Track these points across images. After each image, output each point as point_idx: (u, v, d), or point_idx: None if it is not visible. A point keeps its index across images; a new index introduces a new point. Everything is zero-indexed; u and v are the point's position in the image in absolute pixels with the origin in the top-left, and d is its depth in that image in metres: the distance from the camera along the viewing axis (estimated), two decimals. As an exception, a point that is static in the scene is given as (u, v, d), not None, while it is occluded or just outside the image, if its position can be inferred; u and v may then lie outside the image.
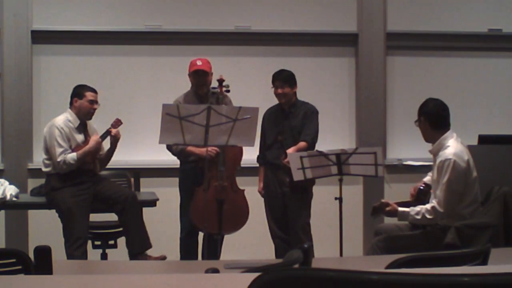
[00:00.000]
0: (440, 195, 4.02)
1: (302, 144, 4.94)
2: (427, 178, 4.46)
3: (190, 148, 4.85)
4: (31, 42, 6.14)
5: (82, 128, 5.02)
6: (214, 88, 5.01)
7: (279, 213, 5.09)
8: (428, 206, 4.06)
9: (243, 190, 5.02)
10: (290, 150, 4.82)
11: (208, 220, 4.58)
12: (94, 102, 4.99)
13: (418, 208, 4.08)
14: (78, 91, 5.00)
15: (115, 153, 5.18)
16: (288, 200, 5.03)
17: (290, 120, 5.06)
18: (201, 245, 5.04)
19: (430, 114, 4.18)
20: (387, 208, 4.16)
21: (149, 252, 4.98)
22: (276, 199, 5.08)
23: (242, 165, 5.13)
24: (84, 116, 5.00)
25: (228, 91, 5.02)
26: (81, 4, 6.26)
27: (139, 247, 4.90)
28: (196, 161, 4.95)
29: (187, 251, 5.10)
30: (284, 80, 5.01)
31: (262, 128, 5.11)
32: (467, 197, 4.08)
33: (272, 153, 5.06)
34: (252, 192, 5.13)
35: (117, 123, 5.10)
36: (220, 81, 4.99)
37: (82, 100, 4.96)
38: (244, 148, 4.97)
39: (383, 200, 4.33)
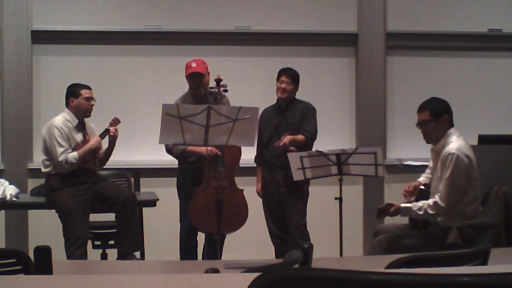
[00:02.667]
0: (443, 190, 4.01)
1: (300, 136, 4.93)
2: (422, 179, 4.46)
3: (190, 148, 4.85)
4: (31, 42, 6.14)
5: (81, 127, 5.03)
6: (212, 88, 5.00)
7: (277, 213, 5.09)
8: (430, 201, 4.05)
9: (242, 190, 5.02)
10: (286, 139, 4.80)
11: (207, 220, 4.57)
12: (90, 98, 5.00)
13: (420, 203, 4.07)
14: (73, 90, 5.01)
15: (115, 153, 5.18)
16: (284, 200, 5.03)
17: (287, 116, 5.06)
18: (201, 245, 5.04)
19: (450, 112, 4.16)
20: (391, 209, 4.15)
21: (146, 252, 4.98)
22: (273, 199, 5.08)
23: (240, 165, 5.12)
24: (83, 114, 5.00)
25: (226, 90, 5.00)
26: (81, 4, 6.26)
27: (128, 247, 4.90)
28: (195, 161, 4.95)
29: (187, 252, 5.10)
30: (291, 77, 5.03)
31: (259, 128, 5.10)
32: (469, 195, 4.07)
33: (270, 151, 5.05)
34: (251, 192, 5.13)
35: (116, 122, 5.10)
36: (218, 80, 4.98)
37: (78, 98, 4.97)
38: (242, 148, 4.97)
39: (387, 202, 4.31)
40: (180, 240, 5.16)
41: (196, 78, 5.00)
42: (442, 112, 4.14)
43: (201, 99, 5.02)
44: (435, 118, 4.12)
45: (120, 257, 4.88)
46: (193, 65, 5.02)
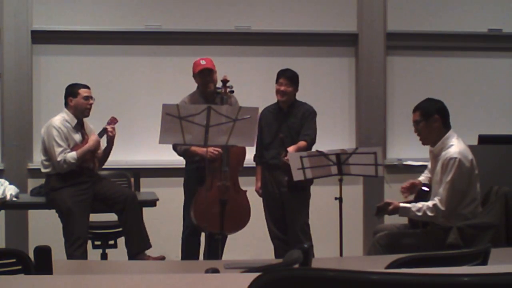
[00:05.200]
0: (443, 194, 4.01)
1: (302, 143, 4.94)
2: (422, 178, 4.46)
3: (193, 148, 4.85)
4: (31, 42, 6.14)
5: (79, 127, 5.03)
6: (218, 88, 5.01)
7: (277, 214, 5.08)
8: (430, 203, 4.05)
9: (245, 191, 5.02)
10: (290, 149, 4.82)
11: (210, 220, 4.57)
12: (89, 97, 5.00)
13: (420, 204, 4.07)
14: (71, 90, 5.02)
15: (115, 153, 5.18)
16: (286, 200, 5.02)
17: (288, 120, 5.06)
18: (203, 245, 5.04)
19: (445, 112, 4.17)
20: (390, 207, 4.14)
21: (148, 252, 4.98)
22: (274, 199, 5.08)
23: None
24: (82, 113, 5.00)
25: (232, 91, 5.01)
26: (81, 4, 6.26)
27: (138, 247, 4.90)
28: (200, 161, 4.95)
29: (189, 251, 5.10)
30: (290, 78, 5.02)
31: (259, 128, 5.09)
32: (468, 196, 4.08)
33: (270, 153, 5.05)
34: (252, 192, 5.13)
35: (113, 121, 5.11)
36: (224, 81, 4.99)
37: (77, 98, 4.97)
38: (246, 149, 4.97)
39: (386, 200, 4.32)
40: (182, 240, 5.16)
41: (206, 75, 5.00)
42: (433, 113, 4.15)
43: (209, 97, 5.01)
44: (425, 118, 4.14)
45: (131, 257, 4.87)
46: (202, 63, 5.04)
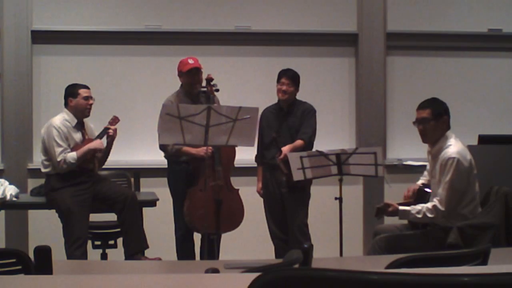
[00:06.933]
0: (442, 194, 4.01)
1: (298, 142, 4.93)
2: (421, 182, 4.45)
3: (186, 148, 4.84)
4: (31, 42, 6.14)
5: (80, 127, 5.03)
6: (203, 87, 5.00)
7: (278, 214, 5.08)
8: (429, 205, 4.05)
9: (238, 190, 5.02)
10: (285, 148, 4.82)
11: (205, 221, 4.57)
12: (89, 98, 5.00)
13: (419, 207, 4.07)
14: (71, 90, 5.02)
15: (115, 153, 5.18)
16: (286, 200, 5.03)
17: (288, 119, 5.06)
18: (198, 244, 5.04)
19: (449, 114, 4.16)
20: (389, 209, 4.14)
21: (147, 252, 4.98)
22: (274, 199, 5.08)
23: (238, 165, 5.12)
24: (82, 113, 5.00)
25: (217, 90, 5.01)
26: (81, 4, 6.26)
27: (135, 247, 4.90)
28: (187, 162, 4.94)
29: (184, 251, 5.09)
30: (292, 78, 5.03)
31: (260, 128, 5.09)
32: (467, 196, 4.08)
33: (270, 153, 5.05)
34: (249, 191, 5.13)
35: (115, 120, 5.10)
36: (209, 80, 4.99)
37: (77, 98, 4.97)
38: (240, 148, 4.96)
39: (385, 201, 4.32)
40: (176, 240, 5.14)
41: (195, 74, 5.01)
42: (443, 113, 4.14)
43: (194, 97, 5.02)
44: (436, 117, 4.12)
45: (128, 257, 4.87)
46: (190, 62, 5.03)
